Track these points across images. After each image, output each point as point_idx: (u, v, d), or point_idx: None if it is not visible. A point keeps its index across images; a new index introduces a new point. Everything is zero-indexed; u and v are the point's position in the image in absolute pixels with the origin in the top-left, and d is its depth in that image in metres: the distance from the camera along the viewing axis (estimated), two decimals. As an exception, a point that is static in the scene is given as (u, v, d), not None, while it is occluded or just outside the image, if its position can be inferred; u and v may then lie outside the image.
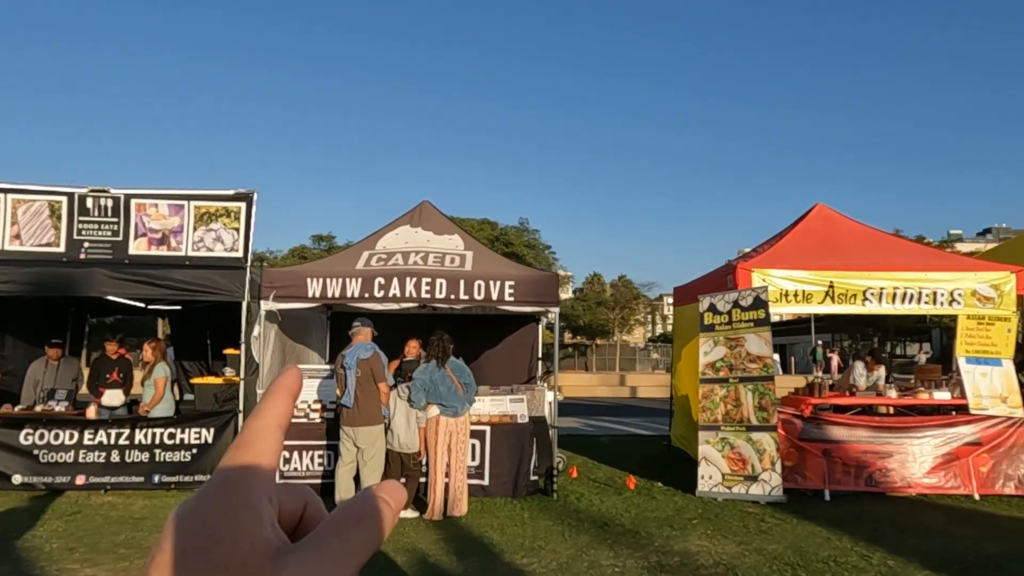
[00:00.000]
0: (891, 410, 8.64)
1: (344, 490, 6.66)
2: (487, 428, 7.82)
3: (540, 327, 11.18)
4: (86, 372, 9.08)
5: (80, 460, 7.53)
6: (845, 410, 8.37)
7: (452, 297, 7.80)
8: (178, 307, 10.21)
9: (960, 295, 8.09)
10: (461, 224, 44.40)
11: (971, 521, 6.84)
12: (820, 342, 34.32)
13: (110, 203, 7.86)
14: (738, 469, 7.78)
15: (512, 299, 7.87)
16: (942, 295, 8.08)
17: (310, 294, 7.82)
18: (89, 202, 7.84)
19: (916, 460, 7.90)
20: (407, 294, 7.79)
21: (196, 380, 8.85)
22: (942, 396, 8.21)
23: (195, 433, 7.70)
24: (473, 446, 7.81)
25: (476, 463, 7.79)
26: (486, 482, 7.78)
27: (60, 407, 7.94)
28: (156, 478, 7.57)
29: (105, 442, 7.57)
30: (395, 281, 7.80)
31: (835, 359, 25.66)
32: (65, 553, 5.43)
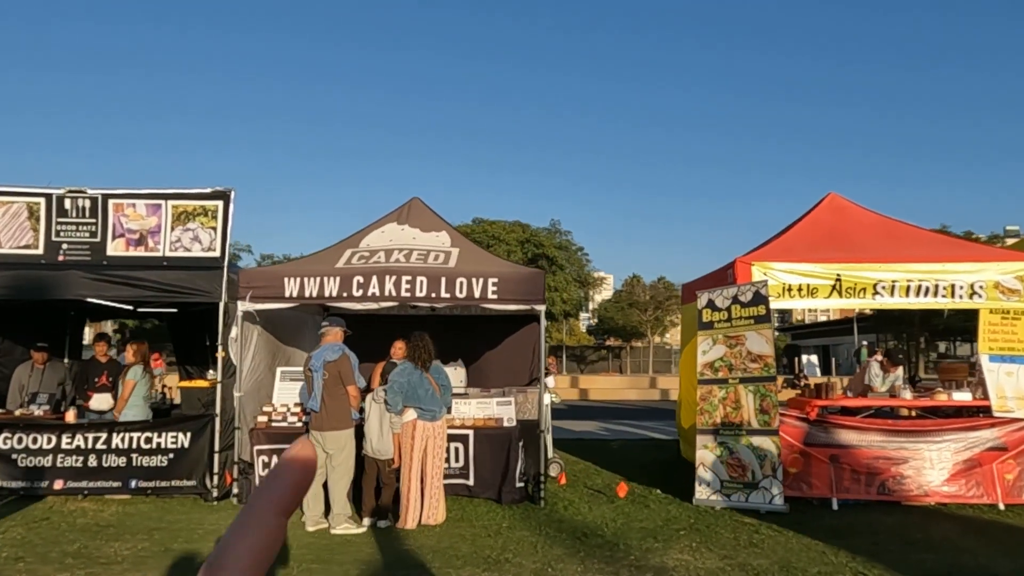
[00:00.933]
0: (914, 413, 8.03)
1: (312, 496, 6.38)
2: (470, 432, 7.47)
3: (543, 327, 10.79)
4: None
5: (58, 464, 7.41)
6: (856, 413, 7.80)
7: (433, 295, 7.48)
8: (174, 309, 10.10)
9: (982, 288, 7.45)
10: (492, 227, 44.24)
11: (989, 534, 6.24)
12: (865, 343, 33.11)
13: (88, 204, 7.75)
14: (737, 476, 7.28)
15: (495, 297, 7.52)
16: (961, 288, 7.46)
17: (287, 294, 7.58)
18: (67, 203, 7.74)
19: (934, 467, 7.29)
20: (387, 292, 7.49)
21: (183, 384, 8.69)
22: (962, 397, 7.58)
23: (172, 437, 7.52)
24: (457, 449, 7.49)
25: (460, 464, 7.47)
26: (471, 482, 7.45)
27: (39, 411, 7.84)
28: (133, 483, 7.41)
29: (82, 446, 7.44)
30: (374, 279, 7.51)
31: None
32: (11, 563, 5.26)
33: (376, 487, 6.54)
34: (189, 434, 7.52)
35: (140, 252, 7.75)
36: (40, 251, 7.70)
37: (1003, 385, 7.30)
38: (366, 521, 6.43)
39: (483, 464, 7.47)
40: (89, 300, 7.98)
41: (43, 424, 7.55)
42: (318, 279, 7.58)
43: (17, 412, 7.96)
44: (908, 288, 7.48)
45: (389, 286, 7.49)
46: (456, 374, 10.12)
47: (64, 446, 7.44)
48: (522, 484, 7.52)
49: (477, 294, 7.48)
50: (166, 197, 7.81)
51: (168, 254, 7.75)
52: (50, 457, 7.42)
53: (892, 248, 7.83)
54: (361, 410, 6.70)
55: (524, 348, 10.63)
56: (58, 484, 7.39)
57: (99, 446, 7.46)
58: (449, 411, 7.00)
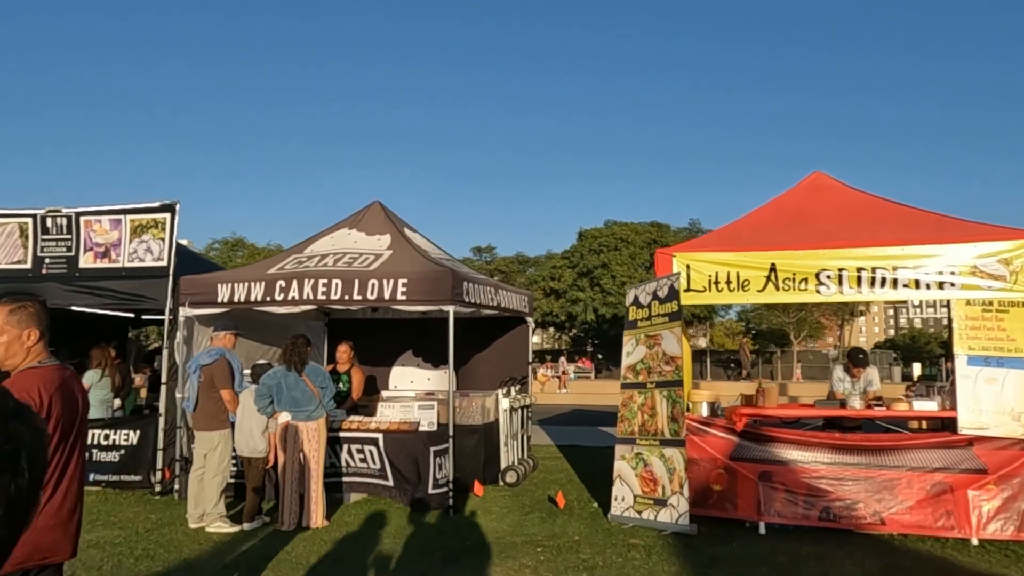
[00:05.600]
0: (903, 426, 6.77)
1: (193, 495, 6.58)
2: (380, 436, 7.36)
3: (530, 329, 10.41)
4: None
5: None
6: (801, 425, 6.72)
7: (346, 298, 7.47)
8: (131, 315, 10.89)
9: (955, 274, 6.15)
10: (621, 229, 43.27)
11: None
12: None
13: (64, 222, 8.57)
14: (649, 491, 6.55)
15: (404, 297, 7.36)
16: (928, 275, 6.20)
17: (219, 299, 7.91)
18: (48, 222, 8.61)
19: (893, 490, 6.11)
20: (304, 296, 7.59)
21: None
22: (926, 406, 6.28)
23: (124, 435, 8.10)
24: (371, 451, 7.41)
25: (377, 466, 7.40)
26: (390, 483, 7.34)
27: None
28: (92, 476, 8.06)
29: (57, 441, 8.20)
30: (294, 283, 7.64)
31: None
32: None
33: (256, 488, 6.61)
34: (138, 432, 8.06)
35: (105, 264, 8.44)
36: (28, 265, 8.62)
37: (980, 395, 5.95)
38: (247, 523, 6.51)
39: (397, 467, 7.33)
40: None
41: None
42: (246, 285, 7.84)
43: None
44: (859, 278, 6.34)
45: (307, 290, 7.58)
46: (444, 377, 10.06)
47: (43, 440, 8.25)
48: (438, 490, 7.26)
49: (387, 295, 7.37)
50: (125, 212, 8.45)
51: (126, 264, 8.37)
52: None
53: (856, 230, 6.68)
54: None
55: (514, 350, 10.30)
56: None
57: (68, 441, 8.18)
58: (329, 413, 6.94)
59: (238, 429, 6.64)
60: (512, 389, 9.24)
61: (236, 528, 6.38)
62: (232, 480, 7.20)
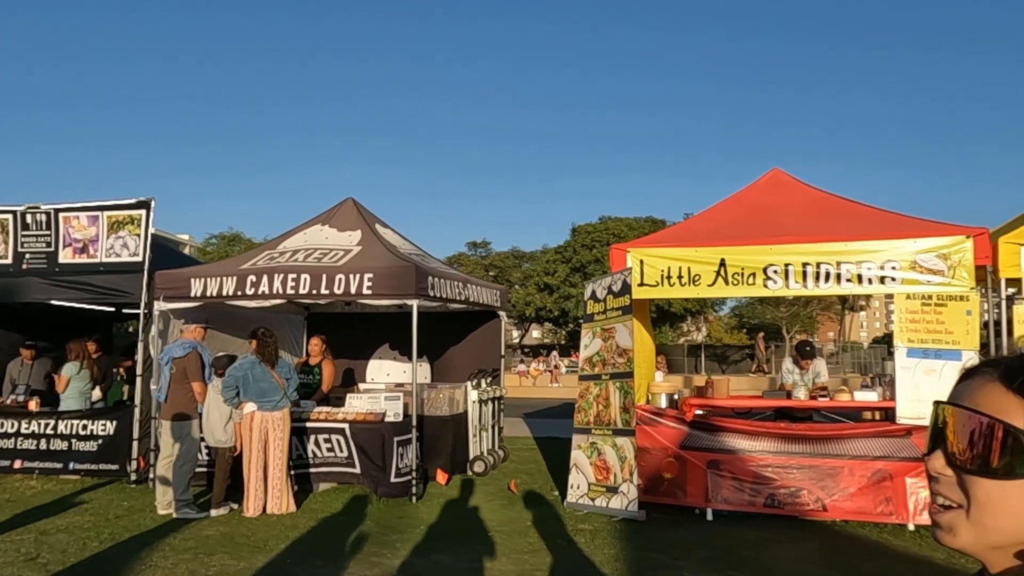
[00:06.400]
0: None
1: (160, 481, 6.82)
2: (346, 425, 7.58)
3: (503, 323, 10.62)
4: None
5: (18, 447, 8.48)
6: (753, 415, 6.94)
7: (314, 292, 7.68)
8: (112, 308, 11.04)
9: (895, 268, 6.35)
10: (615, 224, 43.29)
11: (874, 558, 5.34)
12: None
13: (44, 218, 8.79)
14: (602, 479, 6.78)
15: (370, 292, 7.57)
16: (870, 269, 6.40)
17: (193, 293, 8.12)
18: (28, 218, 8.83)
19: (836, 478, 6.33)
20: (274, 290, 7.80)
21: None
22: (867, 397, 6.49)
23: (101, 425, 8.33)
24: (338, 440, 7.63)
25: (345, 454, 7.61)
26: (358, 470, 7.56)
27: (9, 400, 8.99)
28: (71, 465, 8.30)
29: (37, 431, 8.45)
30: (264, 278, 7.85)
31: None
32: None
33: (224, 476, 6.84)
34: (115, 422, 8.29)
35: (83, 259, 8.66)
36: (9, 261, 8.85)
37: (919, 385, 6.16)
38: (215, 510, 6.74)
39: (364, 455, 7.55)
40: (30, 301, 8.95)
41: (10, 411, 8.67)
42: (218, 279, 8.06)
43: (8, 401, 9.18)
44: (804, 272, 6.54)
45: (277, 284, 7.80)
46: (421, 370, 10.29)
47: (23, 431, 8.49)
48: (401, 479, 7.48)
49: (353, 290, 7.58)
50: (103, 208, 8.67)
51: (104, 260, 8.59)
52: (12, 440, 8.50)
53: (805, 226, 6.88)
54: None
55: (488, 343, 10.52)
56: (17, 463, 8.46)
57: (48, 431, 8.43)
58: (295, 403, 7.18)
59: (205, 420, 6.87)
60: (483, 381, 9.46)
61: (203, 514, 6.62)
62: (204, 469, 7.43)
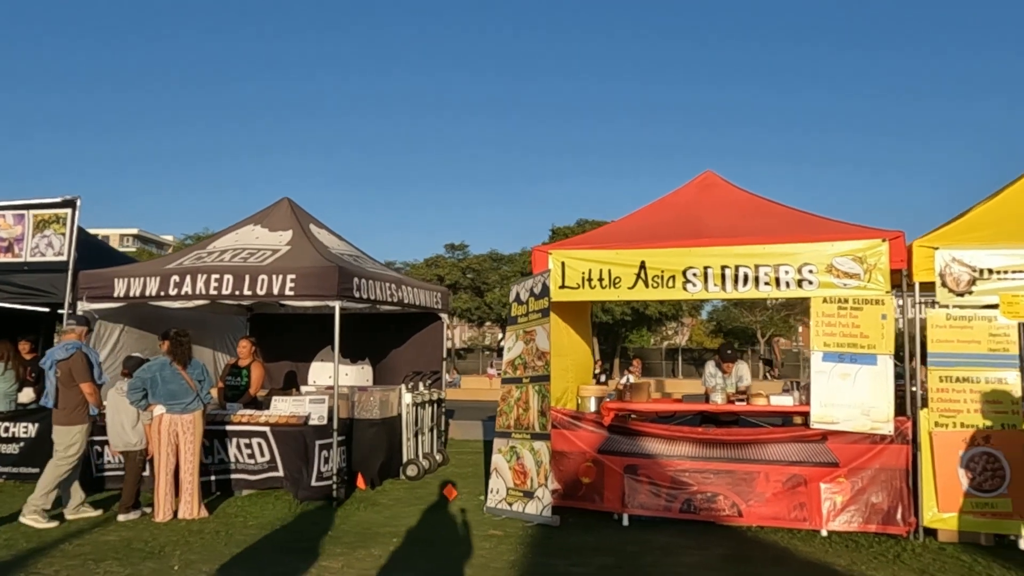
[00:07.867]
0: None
1: (73, 488, 6.66)
2: (267, 429, 7.45)
3: (444, 326, 10.53)
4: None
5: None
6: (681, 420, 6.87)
7: (237, 293, 7.56)
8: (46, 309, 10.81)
9: (812, 272, 6.29)
10: (594, 226, 43.51)
11: (777, 564, 5.27)
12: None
13: (-29, 216, 8.61)
14: (520, 483, 6.69)
15: (292, 293, 7.46)
16: (787, 273, 6.34)
17: (116, 293, 7.98)
18: (-44, 217, 8.64)
19: (751, 483, 6.26)
20: (197, 291, 7.67)
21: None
22: (782, 401, 6.43)
23: (23, 428, 8.16)
24: (260, 444, 7.50)
25: (267, 458, 7.47)
26: (281, 473, 7.42)
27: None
28: (-3, 468, 8.12)
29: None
30: (187, 279, 7.72)
31: None
32: None
33: (133, 481, 6.69)
34: (37, 425, 8.12)
35: (8, 258, 8.51)
36: (-62, 260, 8.65)
37: (834, 390, 6.11)
38: (123, 515, 6.58)
39: (286, 459, 7.42)
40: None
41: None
42: (141, 279, 7.91)
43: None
44: (723, 275, 6.47)
45: (200, 285, 7.67)
46: (363, 372, 10.16)
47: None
48: (322, 483, 7.35)
49: (276, 290, 7.47)
50: (28, 207, 8.52)
51: (29, 259, 8.44)
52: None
53: (727, 228, 6.81)
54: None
55: (429, 345, 10.42)
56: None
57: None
58: (220, 406, 7.04)
59: (110, 424, 6.71)
60: (421, 384, 9.35)
61: (53, 524, 6.33)
62: (113, 472, 7.28)
